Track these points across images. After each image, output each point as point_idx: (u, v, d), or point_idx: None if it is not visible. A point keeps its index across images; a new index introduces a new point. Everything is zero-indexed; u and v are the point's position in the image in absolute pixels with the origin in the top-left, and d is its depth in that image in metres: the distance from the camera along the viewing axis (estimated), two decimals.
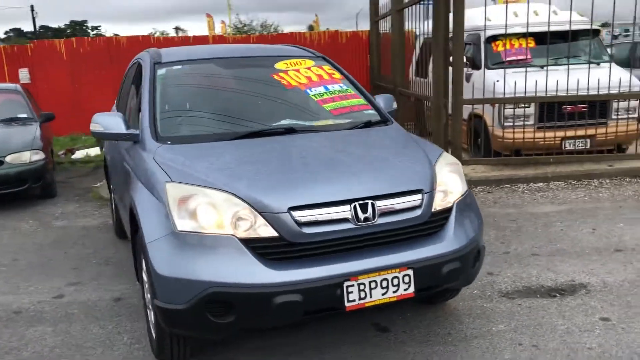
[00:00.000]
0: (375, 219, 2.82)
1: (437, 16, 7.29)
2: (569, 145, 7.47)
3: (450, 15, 7.20)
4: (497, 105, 7.39)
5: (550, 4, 8.20)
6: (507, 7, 7.70)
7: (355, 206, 2.80)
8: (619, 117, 7.51)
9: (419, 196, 2.96)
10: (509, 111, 7.36)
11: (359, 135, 3.71)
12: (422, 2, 8.18)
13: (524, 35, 7.82)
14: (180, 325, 2.82)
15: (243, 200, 2.75)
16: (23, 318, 3.92)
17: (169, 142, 3.40)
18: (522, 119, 7.37)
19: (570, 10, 7.82)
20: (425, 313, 3.69)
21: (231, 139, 3.44)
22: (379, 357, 3.20)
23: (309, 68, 4.21)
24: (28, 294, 4.34)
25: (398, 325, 3.55)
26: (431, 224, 2.99)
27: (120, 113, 3.86)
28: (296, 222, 2.71)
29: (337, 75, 4.26)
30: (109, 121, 3.70)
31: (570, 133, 7.41)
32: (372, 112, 3.99)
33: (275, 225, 2.70)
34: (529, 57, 7.85)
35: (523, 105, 7.32)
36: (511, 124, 7.33)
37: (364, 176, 2.99)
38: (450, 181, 3.17)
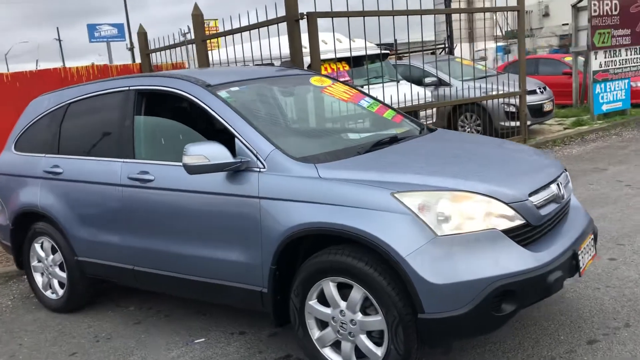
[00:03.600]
0: (565, 196, 3.26)
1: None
2: None
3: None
4: None
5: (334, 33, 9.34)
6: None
7: (558, 184, 3.19)
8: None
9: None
10: None
11: (453, 137, 4.01)
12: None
13: (339, 60, 8.78)
14: (459, 331, 2.79)
15: (485, 195, 2.87)
16: None
17: (311, 162, 3.18)
18: None
19: (365, 39, 9.02)
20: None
21: (366, 151, 3.40)
22: None
23: (332, 85, 4.28)
24: None
25: None
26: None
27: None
28: (535, 206, 2.97)
29: (355, 90, 4.42)
30: (213, 150, 3.22)
31: None
32: (407, 120, 4.29)
33: (522, 213, 2.91)
34: (349, 78, 8.83)
35: None
36: None
37: (536, 164, 3.39)
38: None
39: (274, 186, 3.17)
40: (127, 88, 4.01)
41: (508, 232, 2.85)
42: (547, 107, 10.69)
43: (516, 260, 2.80)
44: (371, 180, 2.98)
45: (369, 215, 2.84)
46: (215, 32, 23.82)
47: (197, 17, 9.35)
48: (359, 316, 2.96)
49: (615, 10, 11.47)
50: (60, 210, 4.30)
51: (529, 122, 10.19)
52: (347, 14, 7.87)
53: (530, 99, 10.11)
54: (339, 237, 2.99)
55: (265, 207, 3.18)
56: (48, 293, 4.69)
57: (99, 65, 11.62)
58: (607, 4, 11.33)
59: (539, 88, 10.75)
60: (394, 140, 3.65)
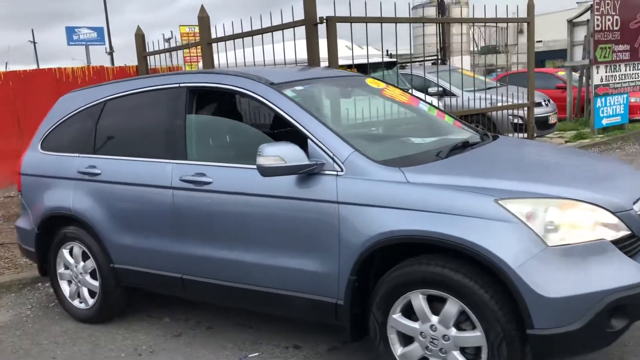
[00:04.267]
0: None
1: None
2: None
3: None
4: None
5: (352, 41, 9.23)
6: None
7: None
8: None
9: None
10: None
11: (526, 144, 3.86)
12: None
13: (356, 67, 8.64)
14: (569, 349, 2.64)
15: (592, 203, 2.72)
16: None
17: (393, 165, 3.00)
18: None
19: (382, 45, 8.92)
20: None
21: (447, 156, 3.23)
22: None
23: (388, 88, 4.11)
24: None
25: None
26: None
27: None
28: (639, 215, 2.82)
29: (408, 94, 4.26)
30: (290, 151, 3.02)
31: None
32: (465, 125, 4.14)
33: (627, 222, 2.76)
34: None
35: None
36: None
37: (629, 173, 3.26)
38: None
39: (356, 191, 2.98)
40: (178, 85, 3.77)
41: (615, 242, 2.70)
42: (552, 119, 10.70)
43: (627, 273, 2.64)
44: (467, 186, 2.81)
45: (469, 223, 2.66)
46: (195, 38, 23.56)
47: (204, 19, 9.08)
48: (453, 331, 2.77)
49: (616, 25, 11.59)
50: (96, 214, 4.02)
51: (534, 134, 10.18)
52: (366, 20, 7.75)
53: (536, 111, 10.10)
54: (428, 246, 2.81)
55: (345, 213, 2.98)
56: (76, 302, 4.39)
57: (95, 66, 11.30)
58: (608, 19, 11.44)
59: (544, 100, 10.76)
60: (466, 145, 3.50)
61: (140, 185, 3.81)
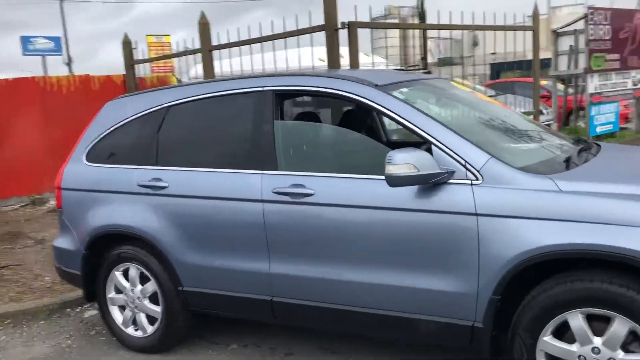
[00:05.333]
0: None
1: None
2: None
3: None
4: None
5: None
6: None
7: None
8: None
9: None
10: None
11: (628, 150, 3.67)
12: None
13: None
14: None
15: None
16: None
17: (535, 172, 2.76)
18: None
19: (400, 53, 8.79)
20: None
21: (580, 163, 3.01)
22: None
23: (473, 91, 3.88)
24: None
25: None
26: None
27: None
28: None
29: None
30: (422, 158, 2.75)
31: None
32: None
33: None
34: None
35: None
36: None
37: None
38: None
39: (500, 201, 2.71)
40: (261, 89, 3.43)
41: None
42: (553, 127, 10.72)
43: None
44: (624, 193, 2.58)
45: (636, 233, 2.43)
46: (163, 48, 22.93)
47: (204, 25, 8.70)
48: (620, 354, 2.52)
49: (608, 35, 11.75)
50: (162, 231, 3.62)
51: None
52: (386, 26, 7.57)
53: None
54: (578, 261, 2.57)
55: (487, 225, 2.71)
56: (130, 330, 3.96)
57: (81, 75, 10.70)
58: (601, 29, 11.58)
59: (545, 109, 10.80)
60: (583, 151, 3.29)
61: (220, 199, 3.44)
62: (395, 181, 2.75)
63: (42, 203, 9.56)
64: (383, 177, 2.89)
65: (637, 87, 12.63)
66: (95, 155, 4.05)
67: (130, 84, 10.85)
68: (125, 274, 3.91)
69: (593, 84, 11.62)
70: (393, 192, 2.89)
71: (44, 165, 9.98)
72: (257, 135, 3.39)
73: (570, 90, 13.79)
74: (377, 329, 3.13)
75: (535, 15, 9.44)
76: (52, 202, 9.64)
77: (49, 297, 5.11)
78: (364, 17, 6.65)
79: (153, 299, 3.82)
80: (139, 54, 10.45)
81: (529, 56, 11.27)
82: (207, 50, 8.56)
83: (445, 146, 2.86)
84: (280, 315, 3.38)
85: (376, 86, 3.15)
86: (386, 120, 4.17)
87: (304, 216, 3.17)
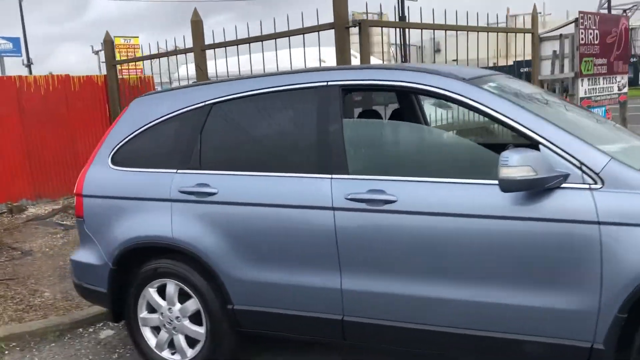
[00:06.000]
0: None
1: None
2: None
3: None
4: None
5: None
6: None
7: None
8: None
9: None
10: None
11: None
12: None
13: None
14: None
15: None
16: None
17: None
18: None
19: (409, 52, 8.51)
20: None
21: None
22: None
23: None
24: None
25: None
26: None
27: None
28: None
29: None
30: (538, 159, 2.45)
31: None
32: None
33: None
34: None
35: None
36: None
37: None
38: None
39: (626, 208, 2.42)
40: (325, 83, 3.08)
41: None
42: None
43: None
44: None
45: None
46: (134, 49, 22.14)
47: (197, 23, 8.29)
48: None
49: (596, 39, 11.78)
50: (210, 243, 3.23)
51: None
52: (395, 25, 7.29)
53: None
54: None
55: (612, 235, 2.42)
56: (166, 354, 3.54)
57: (60, 75, 10.09)
58: (590, 33, 11.60)
59: None
60: None
61: (280, 207, 3.07)
62: (510, 186, 2.44)
63: (20, 211, 8.93)
64: (479, 181, 2.60)
65: (622, 91, 12.74)
66: (124, 158, 3.62)
67: (112, 84, 10.32)
68: (161, 291, 3.50)
69: (583, 88, 11.63)
70: (495, 198, 2.59)
71: (21, 171, 9.37)
72: (322, 136, 3.04)
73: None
74: (471, 352, 2.81)
75: (534, 18, 9.36)
76: (32, 210, 9.05)
77: (54, 315, 4.63)
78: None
79: (194, 318, 3.41)
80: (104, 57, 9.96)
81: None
82: (199, 49, 8.14)
83: (557, 146, 2.56)
84: (351, 336, 3.03)
85: (464, 80, 2.84)
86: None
87: (385, 226, 2.82)
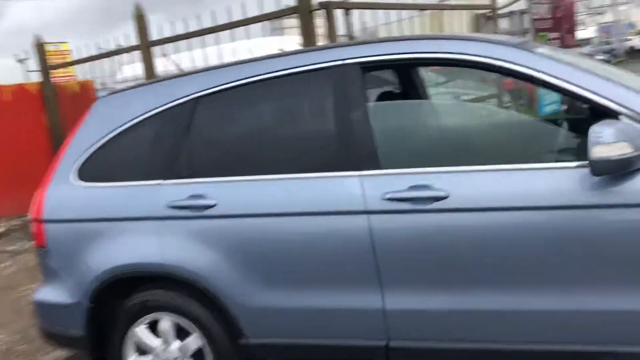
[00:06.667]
0: None
1: None
2: None
3: None
4: None
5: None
6: None
7: None
8: None
9: None
10: None
11: None
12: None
13: None
14: None
15: None
16: None
17: None
18: None
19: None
20: None
21: None
22: None
23: None
24: None
25: None
26: None
27: None
28: None
29: None
30: (632, 133, 2.01)
31: None
32: None
33: None
34: None
35: None
36: None
37: None
38: None
39: None
40: (341, 62, 2.54)
41: None
42: None
43: None
44: None
45: None
46: (66, 57, 20.90)
47: (141, 18, 7.58)
48: None
49: (548, 14, 11.70)
50: (213, 265, 2.65)
51: None
52: (367, 6, 6.80)
53: None
54: None
55: None
56: None
57: None
58: (542, 8, 11.50)
59: None
60: None
61: (299, 215, 2.53)
62: (607, 167, 1.99)
63: None
64: (551, 165, 2.15)
65: None
66: (93, 172, 2.98)
67: (48, 92, 9.46)
68: (153, 328, 2.89)
69: None
70: (572, 185, 2.14)
71: None
72: (344, 125, 2.50)
73: None
74: None
75: None
76: None
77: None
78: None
79: (197, 357, 2.83)
80: (32, 66, 9.09)
81: None
82: (146, 46, 7.43)
83: None
84: None
85: (514, 46, 2.37)
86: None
87: (436, 228, 2.33)
